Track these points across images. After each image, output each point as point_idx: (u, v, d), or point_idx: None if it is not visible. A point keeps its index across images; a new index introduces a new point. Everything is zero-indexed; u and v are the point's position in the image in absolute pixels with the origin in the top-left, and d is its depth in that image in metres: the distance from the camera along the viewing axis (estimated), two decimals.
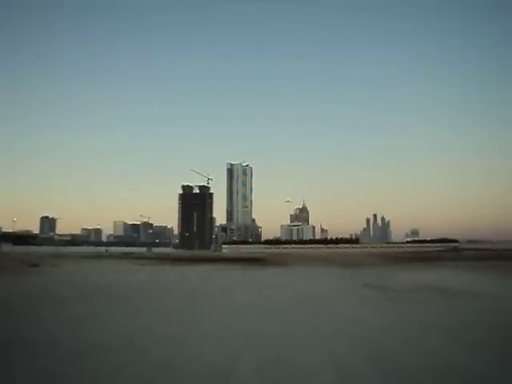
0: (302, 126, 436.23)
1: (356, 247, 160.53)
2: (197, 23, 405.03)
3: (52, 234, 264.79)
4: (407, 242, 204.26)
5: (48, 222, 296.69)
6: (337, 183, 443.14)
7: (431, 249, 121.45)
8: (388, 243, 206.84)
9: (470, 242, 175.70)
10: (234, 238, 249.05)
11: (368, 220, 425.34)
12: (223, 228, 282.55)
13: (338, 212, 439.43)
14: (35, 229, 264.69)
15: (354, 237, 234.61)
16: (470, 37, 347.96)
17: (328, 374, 6.41)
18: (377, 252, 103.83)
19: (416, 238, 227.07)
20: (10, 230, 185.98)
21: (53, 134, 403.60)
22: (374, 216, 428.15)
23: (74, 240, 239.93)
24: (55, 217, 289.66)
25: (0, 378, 6.26)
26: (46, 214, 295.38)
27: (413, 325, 10.25)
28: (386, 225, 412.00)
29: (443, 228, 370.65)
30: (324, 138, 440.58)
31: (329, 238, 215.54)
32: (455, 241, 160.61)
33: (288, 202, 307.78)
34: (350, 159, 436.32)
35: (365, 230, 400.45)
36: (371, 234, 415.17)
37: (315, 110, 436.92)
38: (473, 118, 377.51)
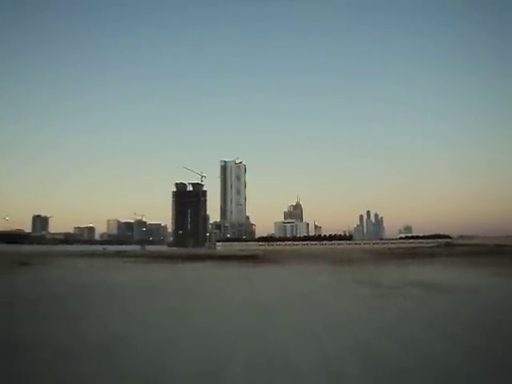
0: (297, 122, 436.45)
1: (349, 244, 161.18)
2: (189, 21, 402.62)
3: (44, 232, 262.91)
4: (400, 238, 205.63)
5: (40, 221, 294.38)
6: (330, 180, 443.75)
7: (424, 245, 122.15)
8: (381, 239, 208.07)
9: (463, 237, 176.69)
10: (228, 236, 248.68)
11: (361, 217, 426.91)
12: (217, 225, 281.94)
13: (332, 209, 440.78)
14: (27, 228, 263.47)
15: (347, 233, 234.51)
16: (471, 30, 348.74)
17: (319, 373, 6.31)
18: (370, 248, 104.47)
19: (409, 234, 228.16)
20: (2, 229, 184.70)
21: (45, 133, 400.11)
22: (368, 213, 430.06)
23: (66, 238, 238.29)
24: (48, 215, 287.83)
25: None
26: (39, 213, 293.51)
27: (403, 322, 10.18)
28: (379, 221, 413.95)
29: (436, 224, 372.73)
30: (318, 134, 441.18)
31: (322, 234, 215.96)
32: (448, 236, 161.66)
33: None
34: (344, 156, 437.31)
35: (358, 226, 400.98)
36: (364, 230, 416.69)
37: (309, 106, 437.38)
38: (467, 115, 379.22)
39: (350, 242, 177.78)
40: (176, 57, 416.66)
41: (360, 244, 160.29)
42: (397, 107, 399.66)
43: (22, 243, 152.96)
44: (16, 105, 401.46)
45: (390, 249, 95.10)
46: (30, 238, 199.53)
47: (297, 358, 7.12)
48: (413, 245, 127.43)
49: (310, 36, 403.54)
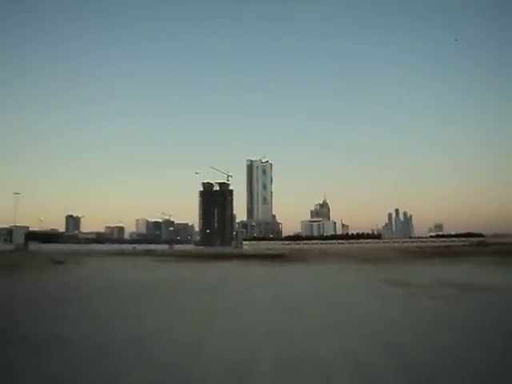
0: (323, 120, 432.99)
1: (378, 242, 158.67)
2: (211, 17, 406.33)
3: (77, 232, 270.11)
4: (431, 236, 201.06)
5: (73, 221, 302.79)
6: (358, 178, 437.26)
7: (455, 243, 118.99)
8: (411, 238, 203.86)
9: (497, 235, 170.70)
10: (255, 235, 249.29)
11: (390, 215, 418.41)
12: (244, 224, 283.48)
13: (360, 207, 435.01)
14: (61, 227, 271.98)
15: (375, 232, 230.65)
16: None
17: (346, 368, 6.30)
18: (399, 247, 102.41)
19: (440, 233, 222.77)
20: (37, 229, 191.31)
21: (75, 135, 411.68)
22: (396, 211, 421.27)
23: (98, 238, 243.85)
24: (79, 215, 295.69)
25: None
26: (71, 213, 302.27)
27: (431, 321, 10.01)
28: (408, 219, 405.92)
29: (468, 222, 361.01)
30: (345, 133, 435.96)
31: (350, 233, 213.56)
32: (481, 235, 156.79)
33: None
34: (371, 154, 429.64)
35: (387, 225, 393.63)
36: (393, 228, 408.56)
37: (336, 106, 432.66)
38: (495, 111, 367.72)
39: (379, 240, 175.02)
40: (202, 54, 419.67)
41: (389, 243, 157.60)
42: (425, 109, 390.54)
43: (56, 242, 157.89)
44: (40, 101, 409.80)
45: (419, 247, 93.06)
46: (63, 238, 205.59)
47: (323, 357, 7.11)
48: (444, 243, 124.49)
49: (334, 39, 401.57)
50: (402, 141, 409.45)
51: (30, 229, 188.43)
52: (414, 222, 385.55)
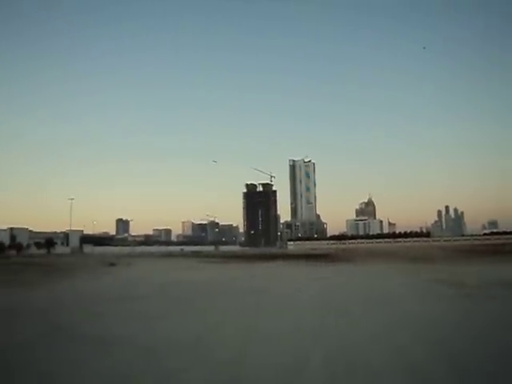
0: (367, 117, 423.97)
1: (427, 241, 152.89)
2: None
3: (126, 234, 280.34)
4: (485, 234, 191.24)
5: (123, 224, 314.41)
6: (404, 174, 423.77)
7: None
8: (463, 236, 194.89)
9: None
10: (299, 235, 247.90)
11: (439, 212, 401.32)
12: (288, 225, 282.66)
13: (407, 204, 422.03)
14: (112, 230, 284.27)
15: (424, 230, 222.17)
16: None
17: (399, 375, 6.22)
18: (450, 246, 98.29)
19: (494, 230, 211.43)
20: (91, 232, 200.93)
21: (122, 141, 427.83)
22: (446, 207, 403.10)
23: (146, 240, 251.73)
24: (129, 219, 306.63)
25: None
26: (121, 217, 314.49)
27: (490, 323, 9.72)
28: (459, 216, 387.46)
29: None
30: (389, 128, 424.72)
31: (397, 232, 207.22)
32: None
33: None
34: (418, 149, 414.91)
35: (436, 222, 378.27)
36: (443, 226, 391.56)
37: (380, 100, 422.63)
38: None
39: (428, 239, 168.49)
40: (248, 50, 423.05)
41: (439, 241, 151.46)
42: (475, 102, 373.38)
43: (108, 245, 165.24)
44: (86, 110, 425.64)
45: (472, 246, 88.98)
46: (114, 240, 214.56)
47: (376, 363, 7.00)
48: (499, 241, 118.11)
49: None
50: (450, 137, 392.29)
51: (84, 232, 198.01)
52: (466, 219, 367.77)
